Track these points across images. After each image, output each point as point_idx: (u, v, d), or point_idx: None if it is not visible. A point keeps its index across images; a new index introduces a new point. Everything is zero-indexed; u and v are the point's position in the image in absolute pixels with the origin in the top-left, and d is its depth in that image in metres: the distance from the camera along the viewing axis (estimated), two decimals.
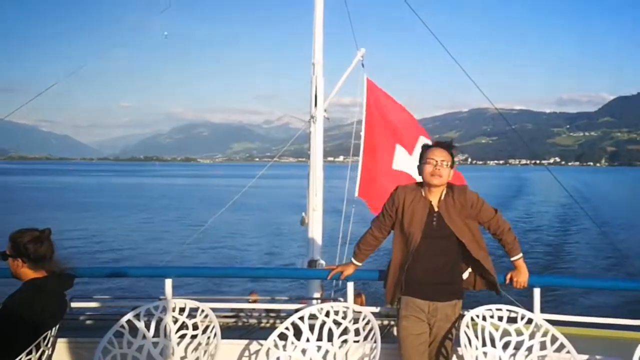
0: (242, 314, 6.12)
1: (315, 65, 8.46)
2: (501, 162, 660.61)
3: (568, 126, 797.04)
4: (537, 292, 4.96)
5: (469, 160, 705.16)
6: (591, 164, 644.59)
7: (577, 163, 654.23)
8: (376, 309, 5.27)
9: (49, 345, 4.46)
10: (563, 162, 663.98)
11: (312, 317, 4.91)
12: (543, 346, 4.62)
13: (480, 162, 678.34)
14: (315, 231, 8.32)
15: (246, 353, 5.16)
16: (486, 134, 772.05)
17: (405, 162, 8.56)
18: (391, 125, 8.84)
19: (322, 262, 8.24)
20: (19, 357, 4.17)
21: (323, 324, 4.85)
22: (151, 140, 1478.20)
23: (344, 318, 4.88)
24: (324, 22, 8.55)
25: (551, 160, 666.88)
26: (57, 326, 4.55)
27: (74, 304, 5.41)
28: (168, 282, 5.29)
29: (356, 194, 8.32)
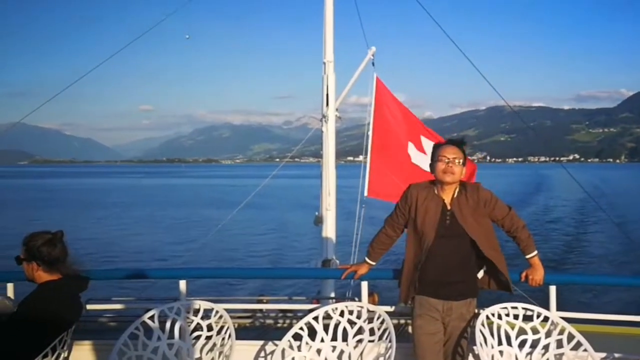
0: (256, 315, 6.12)
1: (326, 64, 8.45)
2: (520, 159, 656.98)
3: (587, 122, 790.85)
4: (553, 289, 4.92)
5: (488, 158, 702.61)
6: (611, 160, 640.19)
7: (597, 160, 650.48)
8: (390, 308, 5.25)
9: (64, 347, 4.49)
10: (582, 159, 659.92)
11: (327, 316, 4.89)
12: (560, 344, 4.58)
13: (499, 160, 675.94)
14: (329, 230, 8.32)
15: (261, 354, 5.16)
16: (504, 131, 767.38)
17: (419, 158, 8.56)
18: (401, 124, 8.84)
19: (337, 261, 8.23)
20: None
21: (338, 323, 4.83)
22: (173, 143, 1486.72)
23: (358, 317, 4.86)
24: (334, 21, 8.55)
25: (570, 157, 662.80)
26: (73, 328, 4.57)
27: (89, 306, 5.44)
28: (182, 284, 5.30)
29: (365, 194, 8.31)
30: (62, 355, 4.50)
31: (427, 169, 8.17)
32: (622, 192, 74.42)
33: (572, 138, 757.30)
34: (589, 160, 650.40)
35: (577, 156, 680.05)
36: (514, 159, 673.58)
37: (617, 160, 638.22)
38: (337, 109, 8.49)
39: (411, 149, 8.76)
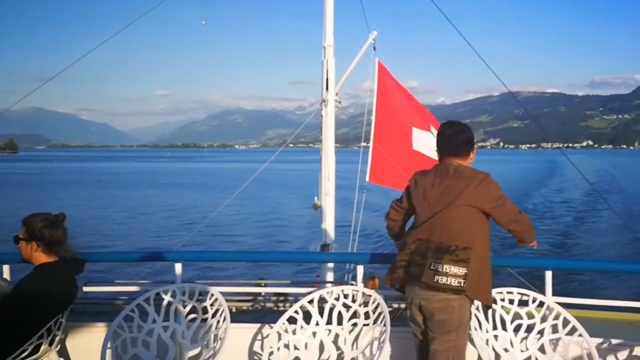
0: (252, 298, 6.10)
1: (326, 49, 8.39)
2: (533, 145, 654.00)
3: (601, 109, 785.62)
4: (548, 274, 4.87)
5: (501, 144, 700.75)
6: (624, 146, 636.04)
7: (610, 146, 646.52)
8: (390, 293, 5.23)
9: (60, 329, 4.53)
10: (596, 146, 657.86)
11: (323, 300, 4.89)
12: (555, 329, 4.57)
13: (512, 146, 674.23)
14: (328, 215, 8.29)
15: (256, 337, 5.16)
16: (518, 117, 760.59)
17: (424, 142, 8.48)
18: (405, 109, 8.78)
19: (335, 245, 8.21)
20: (30, 341, 4.23)
21: (333, 307, 4.82)
22: (187, 128, 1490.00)
23: (354, 301, 4.84)
24: (335, 4, 8.48)
25: (584, 144, 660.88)
26: (68, 310, 4.60)
27: (86, 289, 5.46)
28: (178, 267, 5.31)
29: (367, 179, 8.24)
30: (57, 337, 4.54)
31: (430, 153, 8.08)
32: (636, 179, 73.92)
33: (586, 124, 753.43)
34: (603, 146, 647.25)
35: (590, 142, 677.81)
36: (527, 145, 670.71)
37: (631, 147, 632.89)
38: (337, 94, 8.44)
39: (415, 133, 8.68)
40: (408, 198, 4.45)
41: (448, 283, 4.04)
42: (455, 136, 4.39)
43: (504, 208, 4.22)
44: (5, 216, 30.45)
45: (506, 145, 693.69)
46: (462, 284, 4.04)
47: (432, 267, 4.07)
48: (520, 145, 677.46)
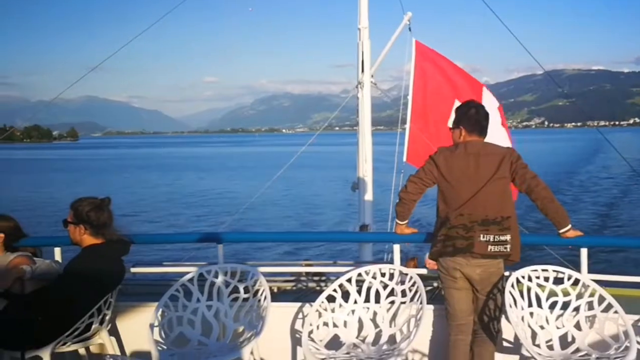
0: (292, 278, 6.21)
1: (361, 31, 8.42)
2: (579, 124, 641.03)
3: None
4: (584, 252, 4.88)
5: (546, 123, 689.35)
6: None
7: None
8: (427, 272, 5.31)
9: (109, 308, 4.73)
10: None
11: (362, 279, 4.97)
12: (590, 307, 4.57)
13: (557, 125, 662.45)
14: (366, 196, 8.36)
15: (297, 315, 5.29)
16: (563, 96, 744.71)
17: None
18: (449, 82, 8.67)
19: (373, 226, 8.28)
20: (82, 320, 4.43)
21: (371, 285, 4.92)
22: (235, 113, 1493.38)
23: (391, 280, 4.92)
24: None
25: (631, 121, 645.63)
26: (117, 290, 4.80)
27: (134, 270, 5.63)
28: (220, 248, 5.46)
29: (404, 159, 8.25)
30: (107, 316, 4.74)
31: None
32: None
33: (633, 102, 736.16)
34: None
35: (637, 120, 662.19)
36: (573, 123, 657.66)
37: None
38: (372, 76, 8.48)
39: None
40: (438, 174, 4.65)
41: (499, 250, 4.51)
42: (482, 116, 4.74)
43: (527, 169, 4.55)
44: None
45: (551, 124, 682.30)
46: (508, 249, 4.53)
47: (483, 239, 4.48)
48: (566, 124, 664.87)
